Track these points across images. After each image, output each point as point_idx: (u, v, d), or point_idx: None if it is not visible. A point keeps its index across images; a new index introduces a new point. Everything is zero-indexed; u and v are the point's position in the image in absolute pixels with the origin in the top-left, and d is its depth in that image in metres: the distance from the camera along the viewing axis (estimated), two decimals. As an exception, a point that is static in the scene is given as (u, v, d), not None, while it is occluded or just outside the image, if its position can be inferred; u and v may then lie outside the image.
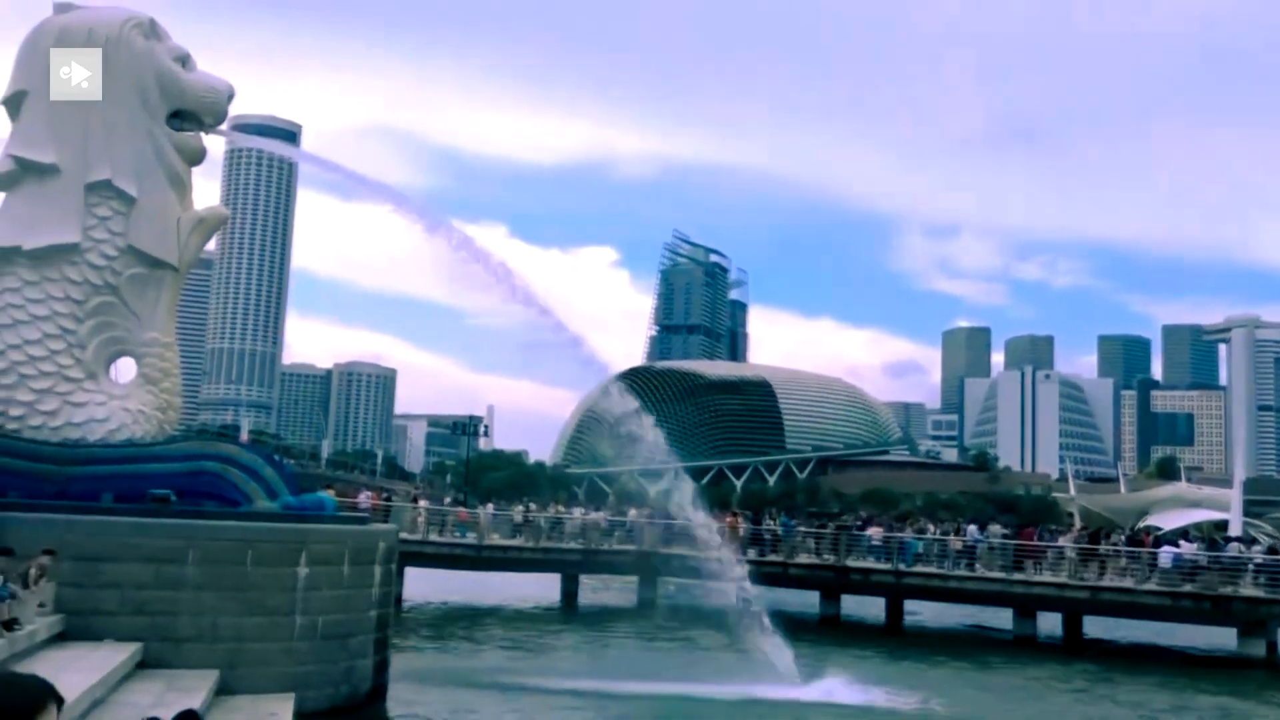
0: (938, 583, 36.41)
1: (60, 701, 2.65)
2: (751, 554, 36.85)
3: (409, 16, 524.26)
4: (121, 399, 19.54)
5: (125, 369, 20.36)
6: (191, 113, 20.39)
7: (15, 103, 19.68)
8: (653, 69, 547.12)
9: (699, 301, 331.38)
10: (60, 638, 15.15)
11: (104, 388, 19.57)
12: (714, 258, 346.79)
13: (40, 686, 2.70)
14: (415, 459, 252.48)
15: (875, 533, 40.65)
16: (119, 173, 19.37)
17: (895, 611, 38.44)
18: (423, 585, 39.09)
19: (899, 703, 22.60)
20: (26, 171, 19.35)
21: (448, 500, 57.69)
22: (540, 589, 42.85)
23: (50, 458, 18.54)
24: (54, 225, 19.12)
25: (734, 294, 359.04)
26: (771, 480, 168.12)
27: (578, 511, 52.82)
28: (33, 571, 14.41)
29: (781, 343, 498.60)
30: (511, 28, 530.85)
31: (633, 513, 44.13)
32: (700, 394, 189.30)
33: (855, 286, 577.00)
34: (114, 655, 14.40)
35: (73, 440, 18.91)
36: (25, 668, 12.17)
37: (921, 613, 40.48)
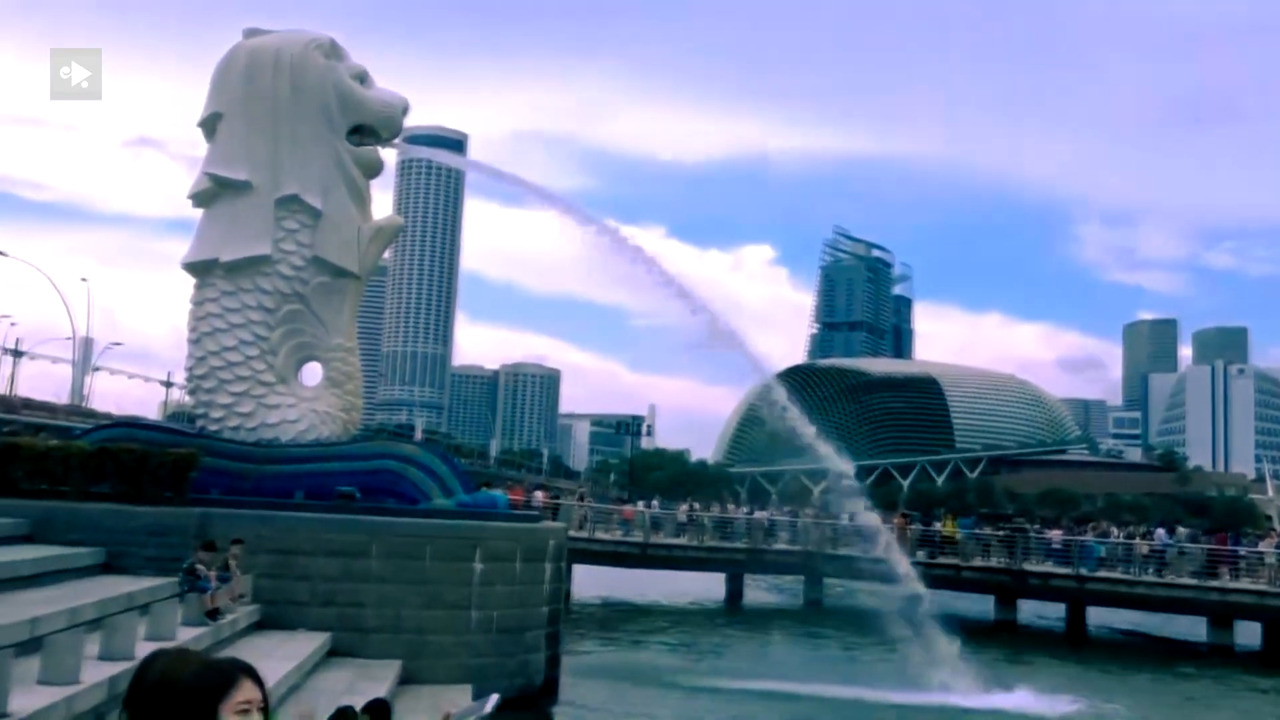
0: (1124, 589, 34.59)
1: (256, 677, 2.80)
2: (921, 556, 35.99)
3: (564, 23, 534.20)
4: (310, 401, 20.61)
5: (312, 373, 21.46)
6: (370, 127, 21.33)
7: (210, 124, 21.00)
8: (809, 63, 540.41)
9: (861, 297, 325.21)
10: (258, 626, 16.07)
11: (294, 391, 20.69)
12: (876, 253, 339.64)
13: (236, 665, 2.87)
14: (580, 458, 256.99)
15: (1055, 535, 39.00)
16: (305, 187, 20.44)
17: (1077, 618, 36.73)
18: (589, 582, 39.72)
19: (1088, 711, 21.57)
20: (222, 189, 20.63)
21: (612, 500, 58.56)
22: (704, 588, 42.90)
23: (247, 457, 19.71)
24: (247, 239, 20.31)
25: (898, 289, 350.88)
26: (940, 480, 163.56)
27: (741, 510, 52.71)
28: (231, 562, 15.34)
29: (949, 338, 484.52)
30: (664, 28, 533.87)
31: (808, 512, 43.66)
32: (864, 392, 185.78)
33: (1026, 279, 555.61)
34: (307, 644, 15.19)
35: (267, 440, 20.05)
36: (227, 654, 12.99)
37: (1104, 620, 38.57)
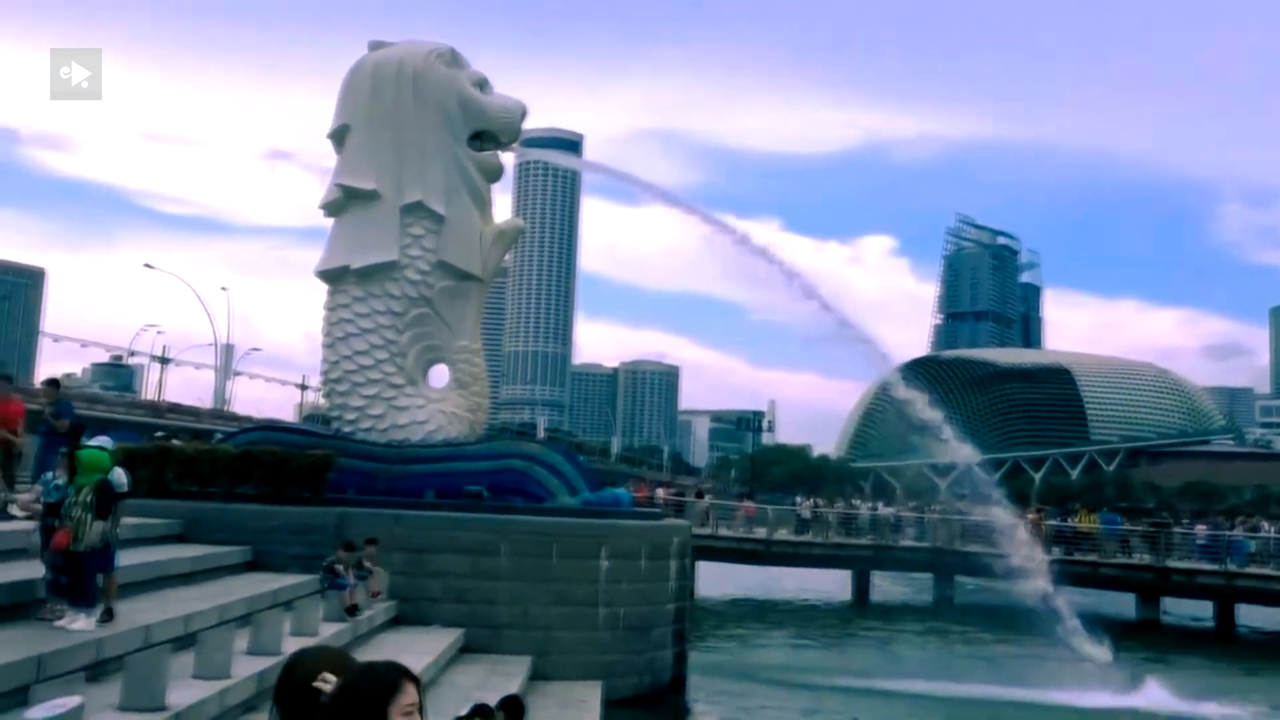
0: (1276, 586, 32.83)
1: (415, 680, 2.87)
2: (1056, 552, 34.81)
3: (677, 18, 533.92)
4: (438, 402, 21.10)
5: (439, 375, 21.96)
6: (490, 133, 21.71)
7: (339, 136, 21.68)
8: (923, 49, 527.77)
9: (987, 286, 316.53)
10: (394, 622, 16.54)
11: (423, 392, 21.21)
12: (1001, 240, 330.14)
13: (396, 669, 2.95)
14: (700, 454, 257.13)
15: (1201, 530, 37.26)
16: (430, 194, 20.93)
17: (1226, 616, 35.00)
18: (713, 579, 39.67)
19: (1228, 713, 20.52)
20: (351, 198, 21.27)
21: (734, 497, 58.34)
22: (830, 585, 42.38)
23: (380, 457, 20.30)
24: (375, 245, 20.90)
25: (1025, 277, 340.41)
26: (1074, 473, 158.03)
27: (866, 506, 51.90)
28: (366, 562, 15.83)
29: (1081, 326, 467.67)
30: (778, 19, 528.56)
31: (935, 507, 42.71)
32: (992, 383, 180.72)
33: (1163, 262, 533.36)
34: (441, 640, 15.56)
35: (398, 441, 20.61)
36: (366, 650, 13.41)
37: (1256, 618, 36.64)
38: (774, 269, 25.27)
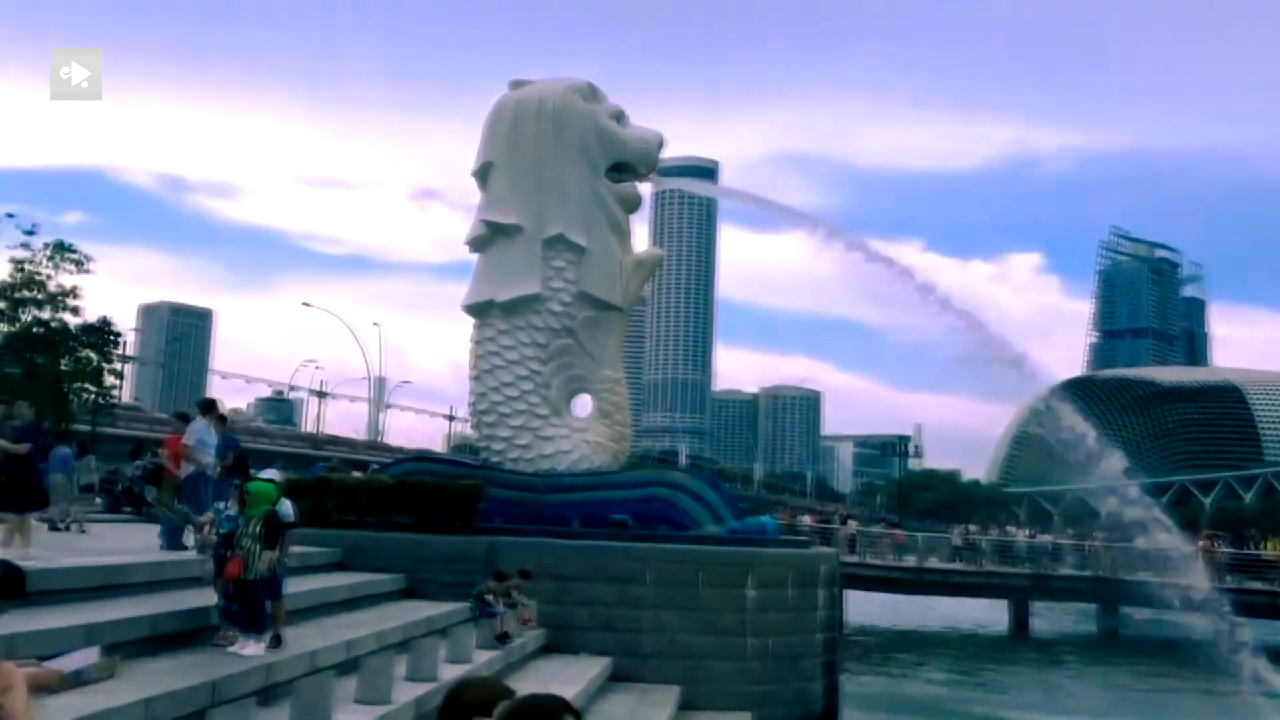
0: None
1: (578, 716, 2.88)
2: (1231, 581, 32.75)
3: (809, 42, 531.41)
4: (582, 432, 21.37)
5: (583, 404, 22.25)
6: (628, 164, 22.00)
7: (483, 173, 22.32)
8: (1067, 59, 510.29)
9: (1146, 302, 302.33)
10: (544, 650, 16.72)
11: (567, 422, 21.52)
12: (1160, 253, 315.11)
13: (558, 702, 2.97)
14: (844, 480, 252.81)
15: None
16: (570, 227, 21.32)
17: None
18: (863, 608, 38.82)
19: None
20: (495, 233, 21.85)
21: (880, 524, 57.10)
22: (984, 615, 40.91)
23: (527, 486, 20.66)
24: (519, 279, 21.39)
25: (1188, 290, 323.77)
26: (1248, 497, 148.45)
27: (1022, 533, 50.02)
28: (514, 593, 16.08)
29: (1252, 342, 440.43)
30: (910, 38, 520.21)
31: (1096, 534, 40.81)
32: (1154, 403, 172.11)
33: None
34: (590, 668, 15.65)
35: (544, 471, 20.94)
36: (517, 678, 13.59)
37: None
38: (916, 289, 24.70)
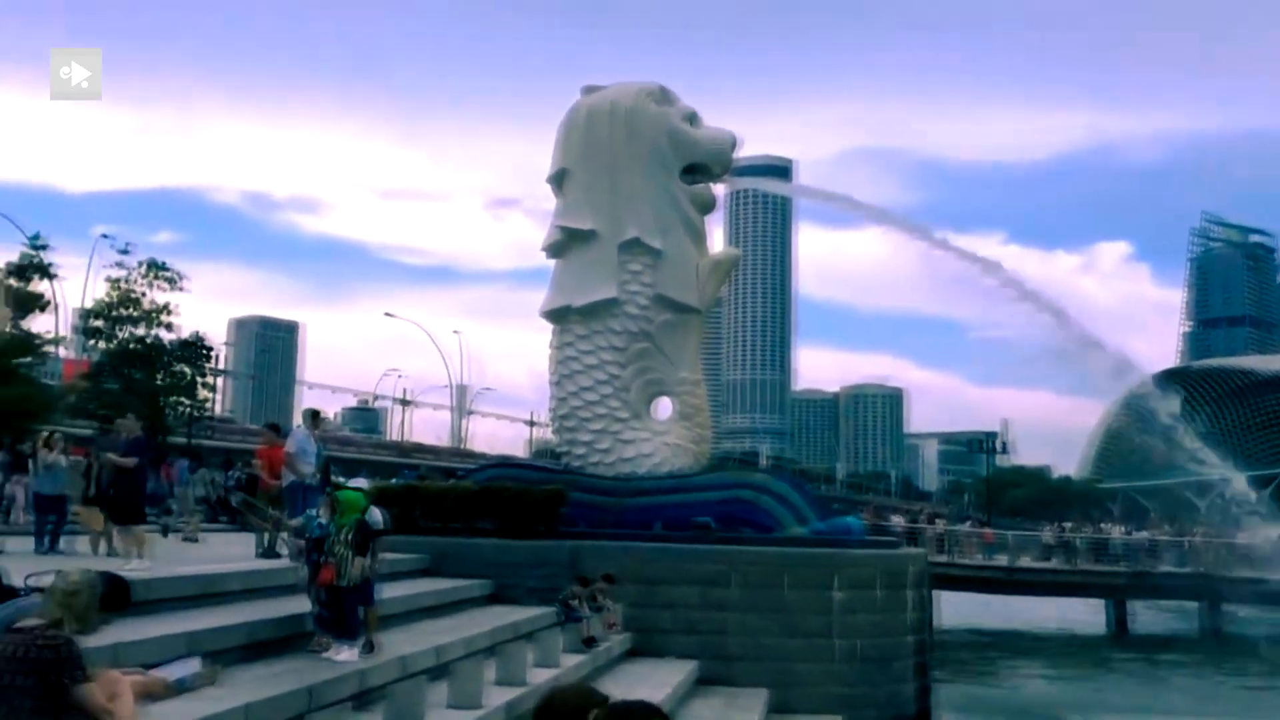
0: None
1: (603, 700, 3.07)
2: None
3: (879, 36, 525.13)
4: (662, 435, 21.36)
5: (663, 407, 22.24)
6: (702, 165, 21.96)
7: (559, 180, 22.47)
8: (1148, 40, 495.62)
9: (1242, 289, 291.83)
10: (630, 654, 16.73)
11: (647, 425, 21.53)
12: (1256, 238, 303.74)
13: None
14: (929, 478, 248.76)
15: None
16: (645, 230, 21.33)
17: None
18: (953, 609, 38.12)
19: None
20: (571, 239, 21.98)
21: (967, 522, 56.05)
22: (1079, 614, 39.87)
23: (609, 490, 20.71)
24: (596, 284, 21.48)
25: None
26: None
27: (1118, 530, 48.69)
28: (599, 597, 16.12)
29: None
30: (984, 26, 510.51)
31: (1197, 530, 39.55)
32: (1254, 393, 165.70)
33: None
34: (677, 672, 15.61)
35: (625, 474, 20.98)
36: (605, 681, 13.60)
37: None
38: (1000, 281, 24.22)
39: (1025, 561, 38.55)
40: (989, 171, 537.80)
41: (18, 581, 6.20)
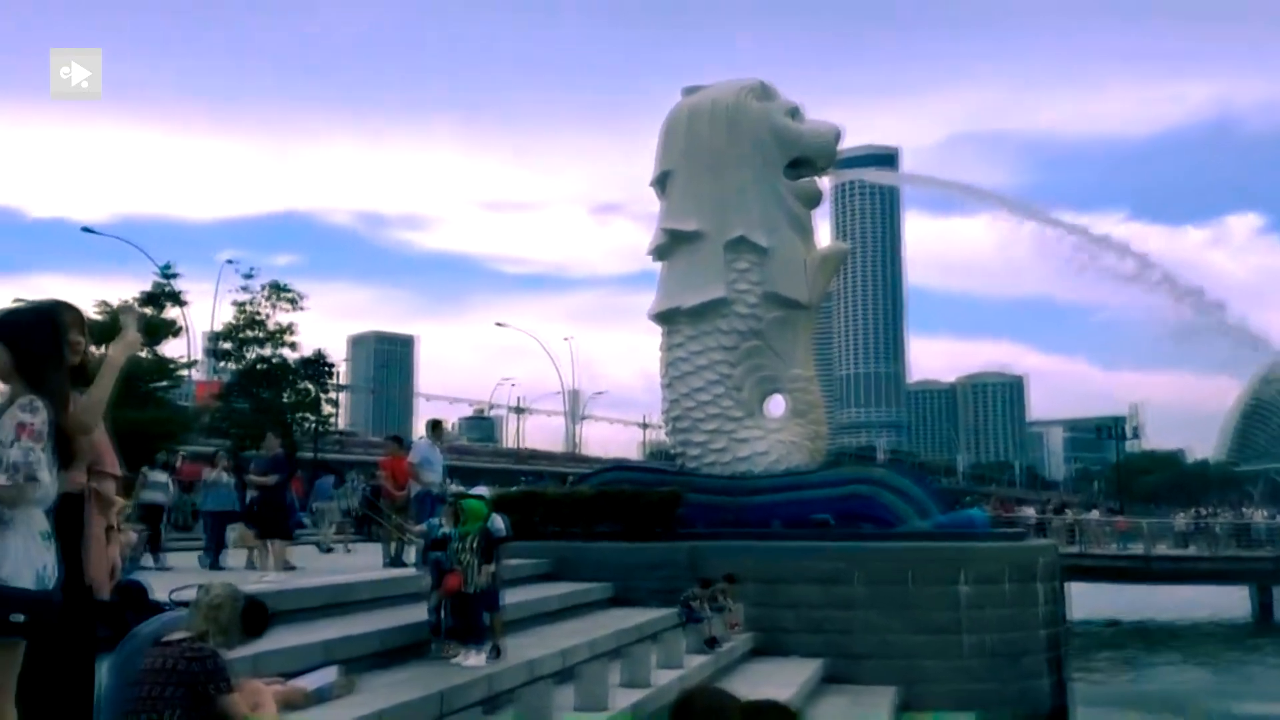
0: None
1: (738, 703, 3.09)
2: None
3: (979, 18, 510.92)
4: (777, 432, 21.20)
5: (777, 404, 22.07)
6: (806, 159, 21.72)
7: (662, 182, 22.51)
8: (1258, 6, 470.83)
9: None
10: (754, 654, 16.65)
11: (761, 423, 21.40)
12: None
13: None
14: (1055, 466, 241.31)
15: None
16: (751, 228, 21.20)
17: None
18: (1087, 601, 36.86)
19: None
20: (677, 241, 21.99)
21: (1096, 510, 54.17)
22: (1221, 603, 38.13)
23: (725, 490, 20.65)
24: (703, 284, 21.44)
25: None
26: None
27: (1259, 514, 46.45)
28: (720, 597, 16.07)
29: None
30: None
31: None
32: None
33: None
34: (802, 671, 15.47)
35: (741, 473, 20.88)
36: (730, 681, 13.56)
37: None
38: (1125, 260, 23.33)
39: (1161, 550, 37.06)
40: (1101, 148, 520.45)
41: (161, 596, 6.49)
